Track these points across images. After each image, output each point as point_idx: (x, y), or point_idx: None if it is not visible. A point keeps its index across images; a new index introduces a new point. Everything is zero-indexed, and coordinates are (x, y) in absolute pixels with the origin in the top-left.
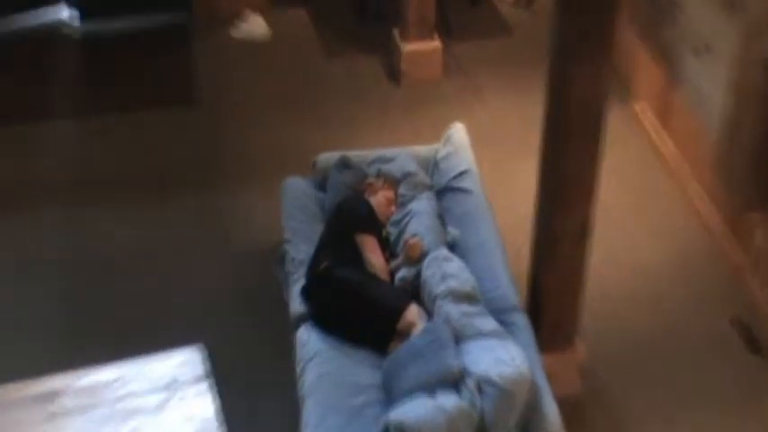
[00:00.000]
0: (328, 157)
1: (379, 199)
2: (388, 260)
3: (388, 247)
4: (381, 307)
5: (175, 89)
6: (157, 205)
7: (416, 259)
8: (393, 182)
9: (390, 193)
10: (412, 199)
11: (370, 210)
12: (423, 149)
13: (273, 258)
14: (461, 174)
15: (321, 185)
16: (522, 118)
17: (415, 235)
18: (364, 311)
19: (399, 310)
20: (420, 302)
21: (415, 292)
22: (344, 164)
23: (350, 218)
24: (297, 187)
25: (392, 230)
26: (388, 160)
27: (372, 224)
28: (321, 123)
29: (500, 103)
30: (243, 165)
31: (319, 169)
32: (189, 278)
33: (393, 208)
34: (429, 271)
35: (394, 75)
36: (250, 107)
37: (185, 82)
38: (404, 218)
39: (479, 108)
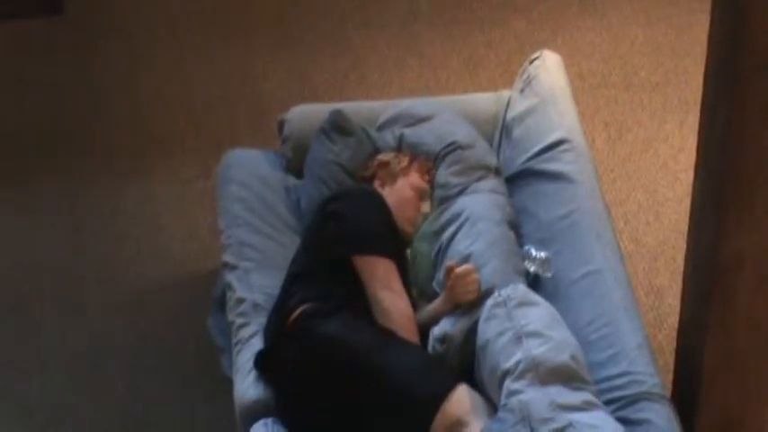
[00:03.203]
0: (307, 114)
1: (399, 190)
2: (416, 304)
3: (416, 280)
4: (403, 391)
5: None
6: None
7: (469, 302)
8: (426, 159)
9: (420, 181)
10: (462, 191)
11: (384, 210)
12: (481, 99)
13: (211, 300)
14: (554, 146)
15: (294, 165)
16: (667, 40)
17: (467, 257)
18: (371, 399)
19: (436, 398)
20: (474, 383)
21: (466, 363)
22: (337, 125)
23: (345, 227)
24: (249, 168)
25: (425, 248)
26: (419, 120)
27: (387, 237)
28: (290, 46)
29: (624, 16)
30: (147, 126)
31: (291, 135)
32: (38, 336)
33: (426, 206)
34: (492, 325)
35: None
36: (158, 22)
37: None
38: (447, 226)
39: (585, 24)
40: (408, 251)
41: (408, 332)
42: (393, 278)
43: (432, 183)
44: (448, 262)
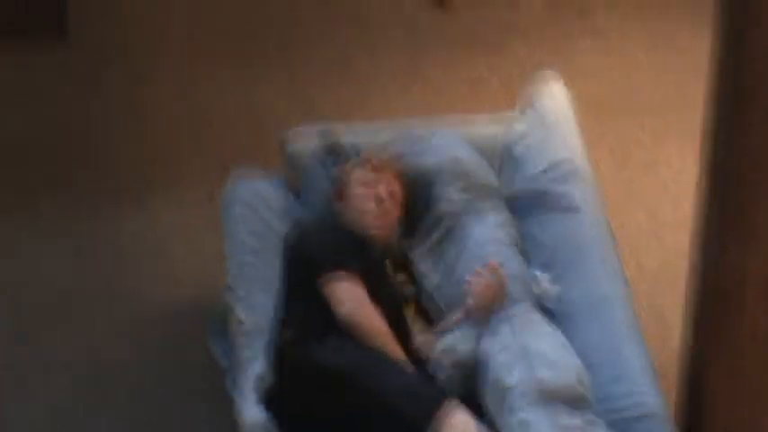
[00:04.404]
0: (309, 136)
1: (350, 193)
2: (410, 323)
3: (407, 286)
4: (393, 410)
5: (30, 12)
6: None
7: (487, 313)
8: (397, 167)
9: (362, 173)
10: (465, 209)
11: (339, 229)
12: (483, 122)
13: (210, 322)
14: (555, 167)
15: (297, 188)
16: (668, 63)
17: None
18: (364, 420)
19: (427, 417)
20: (472, 403)
21: (463, 381)
22: (329, 148)
23: (300, 259)
24: (252, 191)
25: (427, 268)
26: (420, 141)
27: (343, 254)
28: (294, 69)
29: (625, 39)
30: (151, 149)
31: (293, 156)
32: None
33: (381, 189)
34: (496, 341)
35: None
36: (163, 45)
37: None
38: (452, 247)
39: (587, 46)
40: (392, 266)
41: (384, 340)
42: (356, 292)
43: (401, 183)
44: (473, 268)
